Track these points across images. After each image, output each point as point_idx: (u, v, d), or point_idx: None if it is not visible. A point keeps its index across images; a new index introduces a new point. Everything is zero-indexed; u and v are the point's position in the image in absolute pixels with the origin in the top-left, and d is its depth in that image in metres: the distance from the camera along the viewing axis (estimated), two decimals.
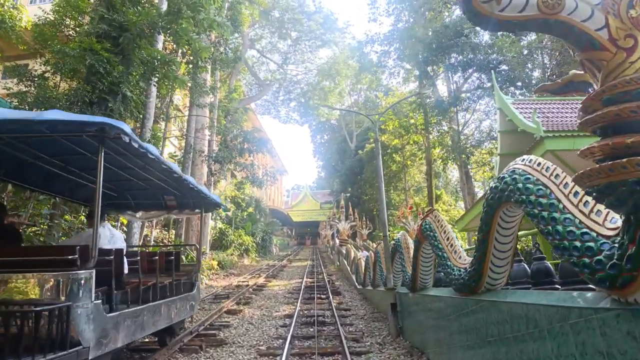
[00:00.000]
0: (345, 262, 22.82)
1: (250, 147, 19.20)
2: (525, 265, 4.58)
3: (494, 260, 4.13)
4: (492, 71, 17.83)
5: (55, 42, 12.18)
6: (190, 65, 20.19)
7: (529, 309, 3.32)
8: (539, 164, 3.37)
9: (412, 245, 8.18)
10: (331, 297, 13.49)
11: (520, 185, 3.35)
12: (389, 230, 31.43)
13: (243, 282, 17.89)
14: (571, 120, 14.91)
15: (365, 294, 14.17)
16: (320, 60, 50.88)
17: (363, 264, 15.71)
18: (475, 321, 4.44)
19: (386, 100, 49.25)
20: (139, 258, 5.62)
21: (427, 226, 6.02)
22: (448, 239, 5.55)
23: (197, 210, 7.46)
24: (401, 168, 43.37)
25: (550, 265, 4.22)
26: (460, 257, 5.18)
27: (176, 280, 6.71)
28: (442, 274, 7.45)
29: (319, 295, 14.22)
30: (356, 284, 16.88)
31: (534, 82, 23.25)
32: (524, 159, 3.60)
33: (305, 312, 11.20)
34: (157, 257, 6.19)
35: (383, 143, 44.13)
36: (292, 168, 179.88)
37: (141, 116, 14.55)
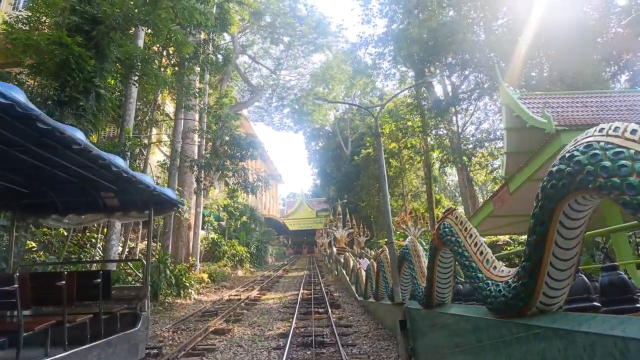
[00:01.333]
0: (344, 272, 21.66)
1: (241, 151, 18.02)
2: (584, 277, 3.49)
3: (551, 271, 3.04)
4: (496, 65, 16.88)
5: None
6: (177, 68, 19.16)
7: (623, 345, 2.23)
8: (635, 131, 2.29)
9: (423, 253, 7.10)
10: (330, 310, 12.33)
11: (607, 164, 2.27)
12: (387, 238, 30.24)
13: (235, 295, 16.69)
14: (583, 115, 13.98)
15: (367, 307, 13.03)
16: (314, 65, 50.14)
17: (364, 273, 14.58)
18: (525, 354, 3.35)
19: (381, 104, 48.46)
20: (16, 286, 3.36)
21: (447, 230, 4.94)
22: (476, 244, 4.47)
23: (146, 212, 5.56)
24: (398, 173, 42.38)
25: (626, 277, 3.14)
26: (494, 267, 4.10)
27: (106, 313, 4.72)
28: (460, 286, 6.40)
29: (316, 309, 13.06)
30: (356, 295, 15.73)
31: (533, 82, 22.36)
32: (603, 128, 2.51)
33: (302, 329, 10.04)
34: (62, 282, 3.97)
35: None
36: (288, 176, 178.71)
37: (120, 119, 13.47)
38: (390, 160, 42.84)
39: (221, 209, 33.69)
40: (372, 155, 45.27)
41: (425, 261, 6.97)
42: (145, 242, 24.01)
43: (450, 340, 5.21)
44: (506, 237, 21.20)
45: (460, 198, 47.13)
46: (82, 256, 14.48)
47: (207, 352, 7.93)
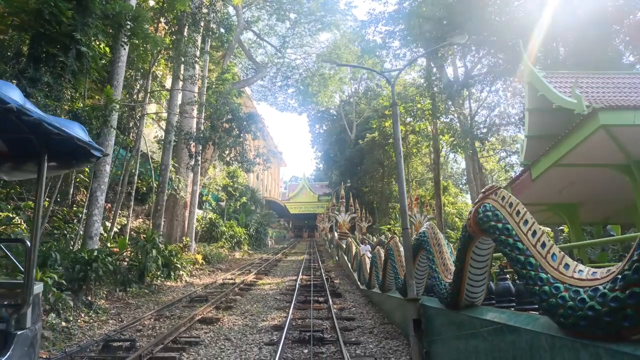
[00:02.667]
0: (345, 258, 20.65)
1: (239, 125, 16.78)
2: None
3: None
4: (520, 41, 15.51)
5: None
6: (174, 36, 17.83)
7: None
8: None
9: (444, 242, 5.99)
10: (330, 300, 11.30)
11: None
12: (389, 224, 29.23)
13: (229, 279, 15.69)
14: (616, 97, 12.72)
15: (371, 297, 12.00)
16: (320, 44, 48.50)
17: (368, 261, 13.53)
18: None
19: (388, 88, 46.93)
20: None
21: (489, 214, 3.80)
22: (534, 233, 3.34)
23: (53, 165, 3.29)
24: (404, 158, 41.15)
25: None
26: (565, 266, 2.99)
27: None
28: (492, 284, 5.30)
29: (315, 298, 12.04)
30: (359, 283, 14.72)
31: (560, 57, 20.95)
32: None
33: (299, 321, 9.01)
34: None
35: (385, 132, 41.94)
36: (291, 160, 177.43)
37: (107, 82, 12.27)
38: None
39: (220, 188, 32.63)
40: (377, 140, 44.02)
41: (447, 251, 5.87)
42: (141, 220, 23.08)
43: (485, 354, 4.11)
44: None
45: (467, 186, 46.14)
46: (65, 232, 13.48)
47: (188, 346, 6.89)
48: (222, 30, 25.56)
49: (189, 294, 12.08)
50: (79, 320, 8.11)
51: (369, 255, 18.05)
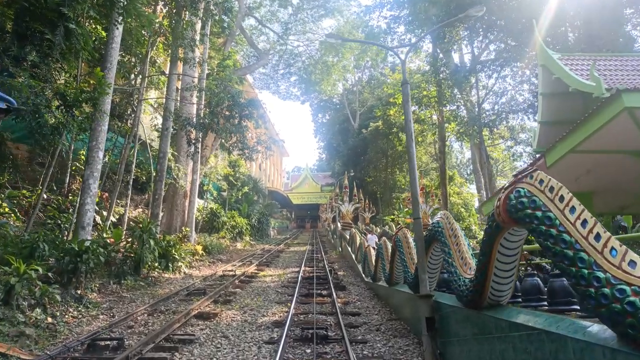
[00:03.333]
0: (349, 249, 20.13)
1: (240, 112, 16.14)
2: None
3: None
4: (534, 21, 14.79)
5: None
6: (173, 19, 17.14)
7: None
8: None
9: (461, 232, 5.42)
10: (334, 293, 10.77)
11: None
12: (393, 215, 28.62)
13: (230, 271, 15.19)
14: (636, 80, 12.05)
15: (376, 291, 11.48)
16: (324, 31, 47.56)
17: (373, 252, 12.99)
18: None
19: (392, 76, 46.10)
20: None
21: (524, 200, 3.22)
22: (584, 222, 2.77)
23: None
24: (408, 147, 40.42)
25: None
26: (631, 263, 2.42)
27: None
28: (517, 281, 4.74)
29: (319, 291, 11.54)
30: (363, 275, 14.22)
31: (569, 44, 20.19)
32: None
33: (302, 317, 8.49)
34: None
35: (389, 120, 41.19)
36: (293, 150, 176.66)
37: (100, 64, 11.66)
38: (400, 134, 40.91)
39: (221, 178, 32.09)
40: (381, 129, 43.27)
41: (464, 243, 5.30)
42: (140, 209, 22.60)
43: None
44: None
45: (471, 176, 45.43)
46: (59, 222, 12.98)
47: (182, 345, 6.38)
48: (223, 16, 24.85)
49: (187, 287, 11.59)
50: (66, 316, 7.60)
51: (375, 246, 17.55)
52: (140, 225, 12.47)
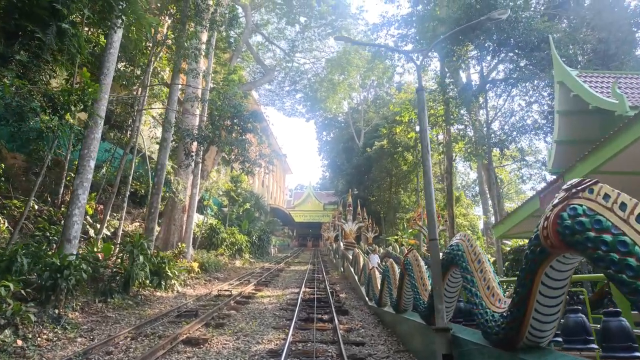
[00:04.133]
0: (352, 270, 19.31)
1: (243, 124, 15.54)
2: None
3: None
4: (550, 37, 14.29)
5: None
6: (177, 28, 16.76)
7: None
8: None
9: (485, 257, 4.72)
10: (336, 319, 9.97)
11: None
12: (397, 235, 27.79)
13: (226, 290, 14.40)
14: None
15: (381, 317, 10.66)
16: (330, 49, 47.54)
17: (378, 275, 12.22)
18: None
19: (398, 96, 45.81)
20: None
21: (585, 220, 2.54)
22: None
23: None
24: (413, 167, 39.83)
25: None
26: None
27: None
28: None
29: (319, 315, 10.73)
30: (367, 298, 13.39)
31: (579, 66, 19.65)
32: None
33: (300, 346, 7.70)
34: None
35: (394, 140, 40.65)
36: (297, 168, 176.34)
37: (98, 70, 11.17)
38: (405, 154, 40.32)
39: (222, 193, 31.46)
40: (385, 148, 42.74)
41: (490, 269, 4.58)
42: (137, 224, 21.91)
43: None
44: None
45: (476, 198, 44.59)
46: (48, 234, 12.30)
47: None
48: (229, 30, 24.58)
49: (178, 307, 10.82)
50: (39, 338, 6.86)
51: (377, 266, 16.71)
52: (131, 241, 11.76)
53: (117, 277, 10.98)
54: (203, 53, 17.03)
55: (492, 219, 28.48)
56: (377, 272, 12.44)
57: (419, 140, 36.87)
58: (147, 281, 12.01)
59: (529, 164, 28.33)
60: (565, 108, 12.69)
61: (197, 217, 26.36)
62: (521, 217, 12.64)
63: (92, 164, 10.45)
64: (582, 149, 12.53)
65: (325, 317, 10.64)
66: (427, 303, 6.09)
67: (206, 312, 10.09)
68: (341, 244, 29.46)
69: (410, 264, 7.49)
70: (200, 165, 20.03)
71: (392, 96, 51.55)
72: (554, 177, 12.96)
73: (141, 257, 11.07)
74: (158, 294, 12.56)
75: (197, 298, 12.66)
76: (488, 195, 28.25)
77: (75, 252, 9.71)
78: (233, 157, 16.23)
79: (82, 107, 8.57)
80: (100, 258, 11.57)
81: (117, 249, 13.07)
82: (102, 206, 16.19)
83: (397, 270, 9.56)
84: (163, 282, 13.02)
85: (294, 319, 9.77)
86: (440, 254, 5.65)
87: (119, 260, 11.38)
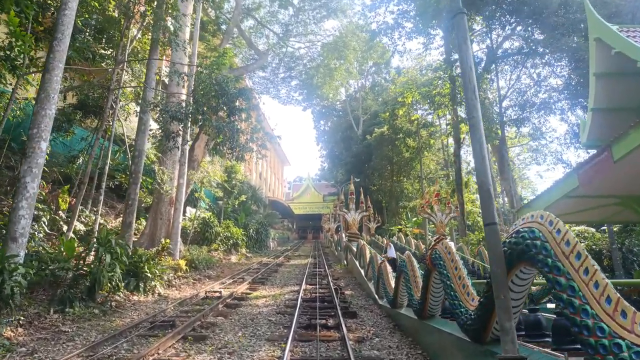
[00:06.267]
0: (357, 263, 17.59)
1: (229, 102, 13.65)
2: None
3: None
4: None
5: None
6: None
7: None
8: None
9: (585, 250, 2.94)
10: (344, 325, 8.24)
11: None
12: (400, 225, 26.01)
13: (216, 291, 12.67)
14: None
15: (397, 320, 8.94)
16: (326, 32, 45.56)
17: (390, 270, 10.48)
18: None
19: (398, 80, 43.89)
20: None
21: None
22: None
23: None
24: (416, 154, 38.03)
25: None
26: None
27: None
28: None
29: (323, 320, 8.99)
30: (376, 296, 11.68)
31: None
32: None
33: None
34: None
35: (395, 125, 38.82)
36: (295, 160, 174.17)
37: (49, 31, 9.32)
38: (407, 140, 38.51)
39: (216, 185, 29.68)
40: (386, 134, 40.94)
41: (595, 267, 2.82)
42: (121, 219, 20.14)
43: None
44: (578, 228, 16.85)
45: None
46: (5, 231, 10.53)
47: None
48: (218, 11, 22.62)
49: (154, 315, 9.07)
50: None
51: (396, 257, 14.99)
52: (96, 237, 10.00)
53: (81, 281, 9.22)
54: (189, 25, 15.13)
55: (502, 203, 26.77)
56: (388, 267, 10.70)
57: (422, 124, 35.12)
58: (121, 284, 10.25)
59: (547, 142, 26.59)
60: (603, 70, 10.86)
61: (189, 211, 24.63)
62: (555, 198, 10.82)
63: (44, 146, 8.63)
64: (626, 116, 10.71)
65: (331, 322, 8.90)
66: (475, 314, 4.34)
67: (187, 320, 8.34)
68: (343, 235, 27.75)
69: (441, 257, 5.73)
70: (187, 153, 18.21)
71: (391, 82, 49.69)
72: (592, 151, 11.21)
73: (108, 257, 9.29)
74: (135, 298, 10.84)
75: (180, 302, 10.90)
76: (498, 179, 26.50)
77: (22, 253, 7.94)
78: (220, 141, 14.37)
79: (9, 66, 6.76)
80: (65, 258, 9.82)
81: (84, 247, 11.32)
82: (73, 199, 14.43)
83: (416, 265, 7.85)
84: (142, 284, 11.29)
85: (293, 327, 8.03)
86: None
87: (82, 262, 9.61)
